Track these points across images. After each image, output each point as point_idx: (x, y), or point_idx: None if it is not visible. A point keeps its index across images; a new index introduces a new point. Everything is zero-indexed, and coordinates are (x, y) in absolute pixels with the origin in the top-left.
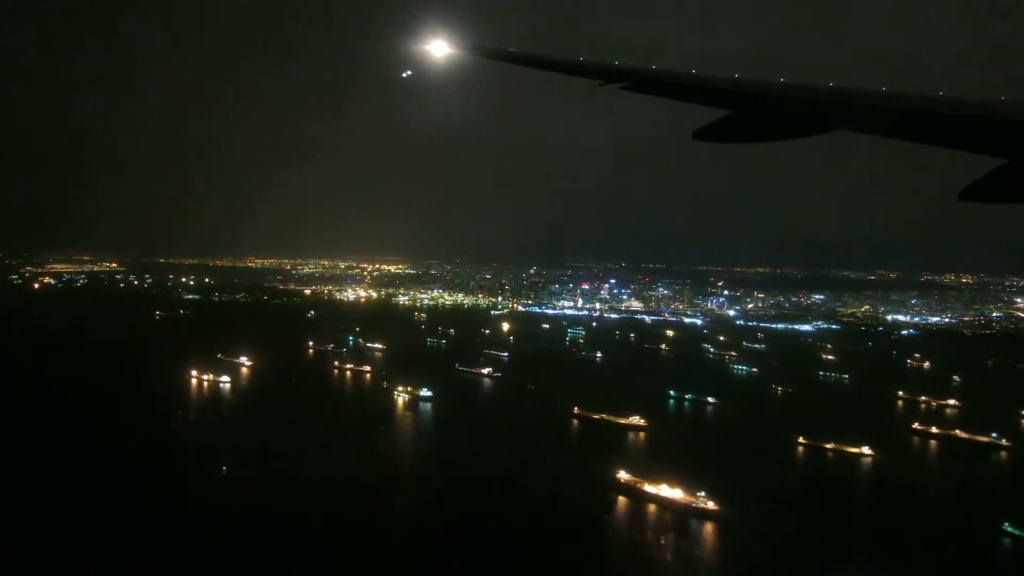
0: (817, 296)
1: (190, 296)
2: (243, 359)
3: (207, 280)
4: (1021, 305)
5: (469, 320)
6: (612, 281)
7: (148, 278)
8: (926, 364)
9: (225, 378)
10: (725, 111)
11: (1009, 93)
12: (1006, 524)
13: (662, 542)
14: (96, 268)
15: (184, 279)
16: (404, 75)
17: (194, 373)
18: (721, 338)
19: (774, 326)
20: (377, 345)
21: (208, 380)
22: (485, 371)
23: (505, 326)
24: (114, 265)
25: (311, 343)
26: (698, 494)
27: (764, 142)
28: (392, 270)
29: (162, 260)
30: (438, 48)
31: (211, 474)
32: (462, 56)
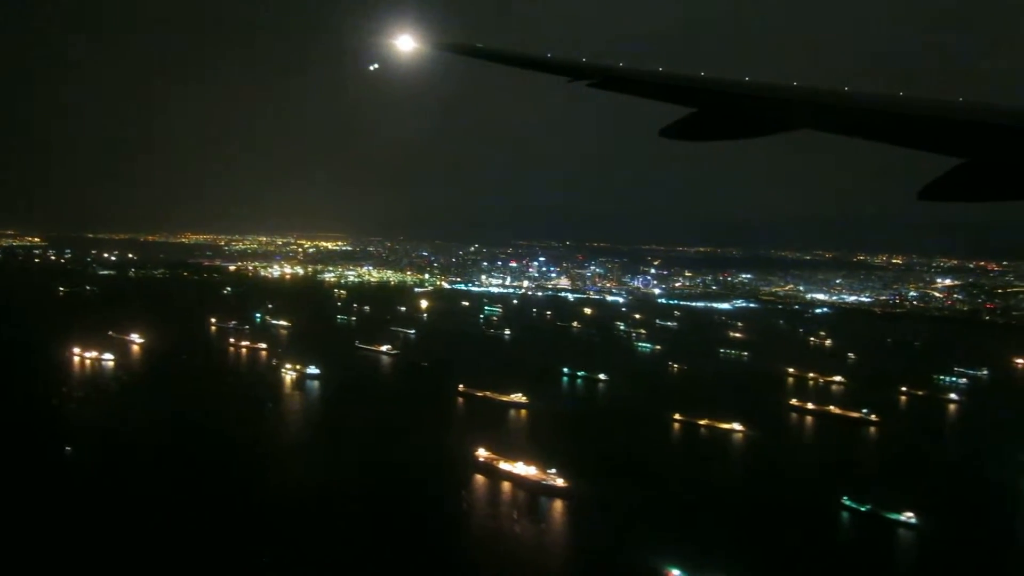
0: (745, 275)
1: (105, 272)
2: (134, 336)
3: (130, 255)
4: (939, 285)
5: (390, 297)
6: (541, 259)
7: (68, 253)
8: (828, 342)
9: (108, 356)
10: (691, 109)
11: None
12: (845, 498)
13: (504, 519)
14: (16, 243)
15: (106, 254)
16: (371, 68)
17: (77, 351)
18: (637, 316)
19: (694, 304)
20: (283, 322)
21: (91, 358)
22: (384, 348)
23: (424, 303)
24: (37, 240)
25: (214, 320)
26: (549, 471)
27: (729, 140)
28: (330, 247)
29: (91, 235)
30: (404, 43)
31: (51, 455)
32: (429, 51)
